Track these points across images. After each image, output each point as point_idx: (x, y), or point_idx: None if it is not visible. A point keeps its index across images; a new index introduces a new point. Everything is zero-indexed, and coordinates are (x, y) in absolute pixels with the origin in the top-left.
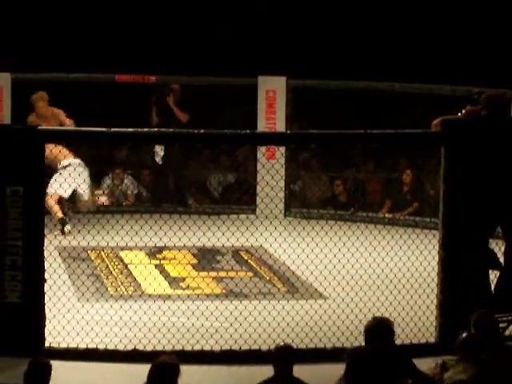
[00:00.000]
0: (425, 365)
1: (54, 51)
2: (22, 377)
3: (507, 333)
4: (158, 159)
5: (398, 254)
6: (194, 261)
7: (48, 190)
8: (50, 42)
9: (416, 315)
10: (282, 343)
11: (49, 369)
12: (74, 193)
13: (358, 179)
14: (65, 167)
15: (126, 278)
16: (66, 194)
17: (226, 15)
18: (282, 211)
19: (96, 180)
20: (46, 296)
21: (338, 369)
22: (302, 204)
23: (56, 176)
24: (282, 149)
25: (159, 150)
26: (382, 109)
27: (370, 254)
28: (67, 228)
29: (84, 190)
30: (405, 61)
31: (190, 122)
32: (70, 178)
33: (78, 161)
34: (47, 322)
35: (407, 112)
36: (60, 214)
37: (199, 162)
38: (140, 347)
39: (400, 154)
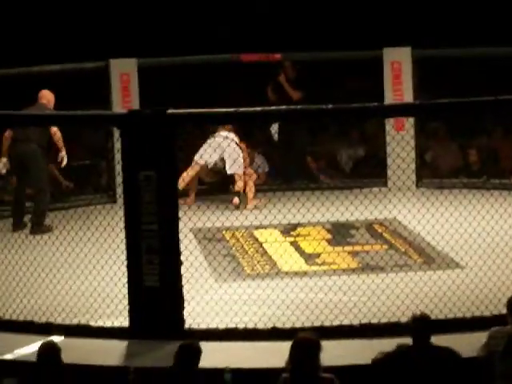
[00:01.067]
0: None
1: (176, 36)
2: (166, 359)
3: None
4: (275, 136)
5: None
6: (329, 236)
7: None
8: (171, 26)
9: None
10: (418, 313)
11: (199, 352)
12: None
13: (490, 146)
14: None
15: (262, 256)
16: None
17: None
18: (414, 182)
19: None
20: (183, 278)
21: (479, 337)
22: (433, 174)
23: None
24: (411, 119)
25: (275, 128)
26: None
27: (506, 221)
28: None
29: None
30: None
31: (307, 98)
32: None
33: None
34: (186, 303)
35: None
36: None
37: (327, 136)
38: (279, 325)
39: None
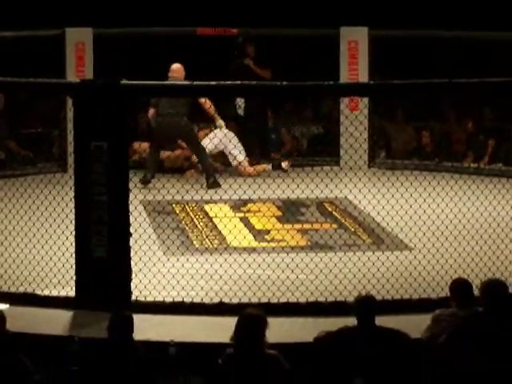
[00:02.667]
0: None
1: (134, 6)
2: None
3: None
4: (240, 111)
5: (483, 204)
6: (279, 213)
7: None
8: None
9: (502, 265)
10: (363, 294)
11: (130, 321)
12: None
13: (443, 129)
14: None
15: (211, 231)
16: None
17: None
18: (366, 162)
19: None
20: (131, 250)
21: (425, 319)
22: (386, 155)
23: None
24: (366, 99)
25: (240, 103)
26: (469, 58)
27: (456, 205)
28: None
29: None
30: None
31: (273, 75)
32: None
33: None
34: (133, 276)
35: (493, 61)
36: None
37: (283, 114)
38: (226, 300)
39: (485, 102)
